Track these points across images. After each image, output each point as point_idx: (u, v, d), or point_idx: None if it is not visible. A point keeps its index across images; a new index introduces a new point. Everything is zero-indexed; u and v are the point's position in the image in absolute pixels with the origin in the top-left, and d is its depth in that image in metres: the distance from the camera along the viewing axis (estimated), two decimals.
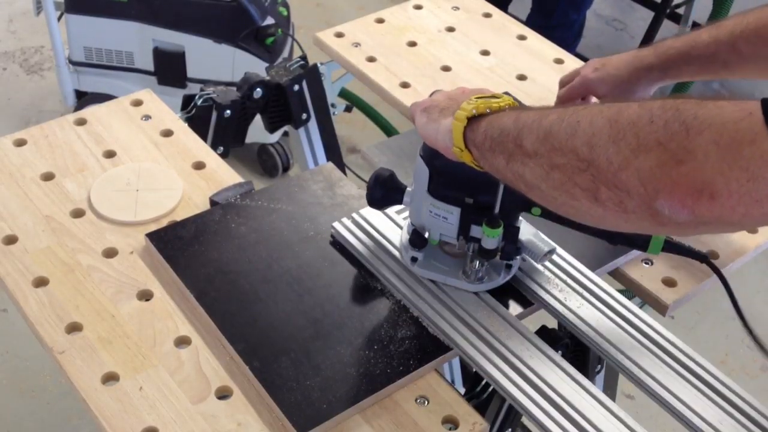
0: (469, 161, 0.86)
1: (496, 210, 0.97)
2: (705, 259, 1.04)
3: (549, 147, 0.76)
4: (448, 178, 0.95)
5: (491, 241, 0.98)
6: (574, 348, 1.05)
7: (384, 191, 1.03)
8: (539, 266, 1.06)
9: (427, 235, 1.03)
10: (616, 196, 0.70)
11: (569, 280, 1.05)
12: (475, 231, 0.98)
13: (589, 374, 1.13)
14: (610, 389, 1.27)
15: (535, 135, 0.77)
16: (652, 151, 0.67)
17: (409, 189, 1.03)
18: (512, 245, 1.00)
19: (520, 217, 1.01)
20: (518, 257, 1.04)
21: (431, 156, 0.95)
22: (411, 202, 1.02)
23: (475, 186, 0.95)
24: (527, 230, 1.02)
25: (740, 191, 0.63)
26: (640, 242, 1.04)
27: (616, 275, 1.13)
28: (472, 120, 0.85)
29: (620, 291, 1.22)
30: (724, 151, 0.63)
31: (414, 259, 1.05)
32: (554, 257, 1.07)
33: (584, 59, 1.58)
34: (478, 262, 1.02)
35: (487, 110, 0.84)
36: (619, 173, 0.69)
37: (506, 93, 1.04)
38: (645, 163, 0.67)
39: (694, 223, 0.67)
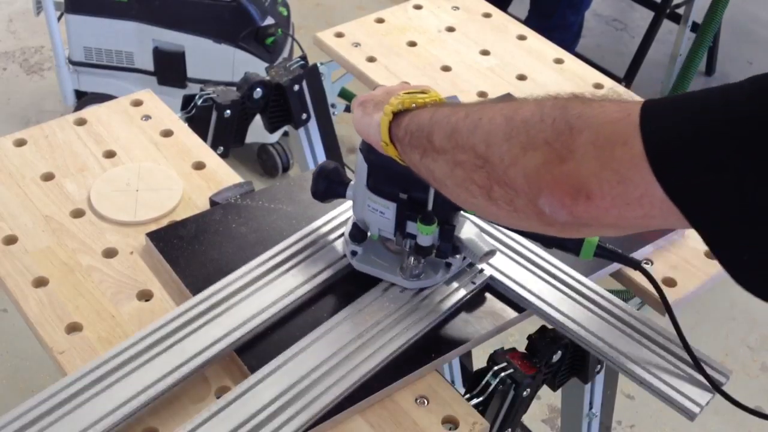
0: (395, 156, 0.87)
1: (430, 207, 0.97)
2: (638, 265, 1.02)
3: (453, 144, 0.77)
4: (384, 173, 0.95)
5: (426, 238, 0.98)
6: (574, 348, 1.05)
7: (327, 184, 1.03)
8: (527, 272, 1.06)
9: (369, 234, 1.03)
10: (506, 194, 0.71)
11: (559, 284, 1.05)
12: (411, 227, 0.98)
13: (589, 374, 1.13)
14: (610, 389, 1.27)
15: (443, 131, 0.78)
16: (539, 149, 0.67)
17: (352, 183, 1.03)
18: (448, 244, 1.00)
19: (465, 216, 1.01)
20: (458, 256, 1.03)
21: (368, 150, 0.95)
22: (353, 197, 1.02)
23: (409, 182, 0.94)
24: (469, 230, 1.02)
25: (612, 193, 0.63)
26: (572, 246, 1.01)
27: (616, 275, 1.13)
28: (398, 115, 0.85)
29: (620, 291, 1.22)
30: (599, 151, 0.64)
31: (354, 253, 1.05)
32: (543, 262, 1.07)
33: (584, 59, 1.58)
34: (414, 259, 1.02)
35: (413, 105, 0.85)
36: (508, 170, 0.69)
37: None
38: (531, 161, 0.67)
39: (575, 224, 0.68)
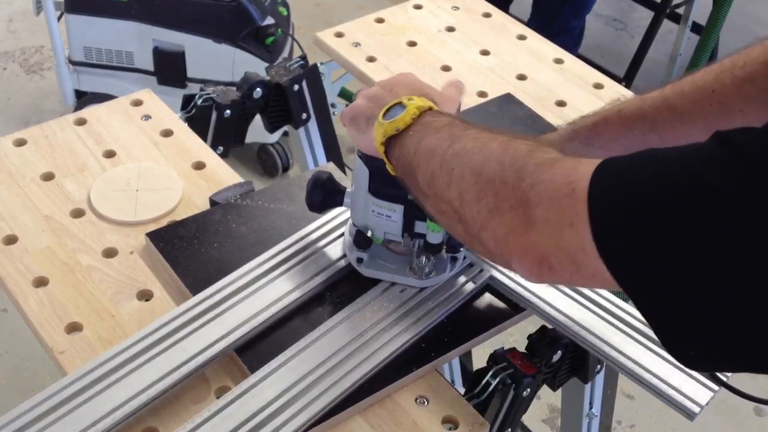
0: None
1: None
2: None
3: (433, 192, 0.77)
4: (389, 177, 0.95)
5: (436, 235, 0.98)
6: (574, 348, 1.05)
7: (323, 194, 1.03)
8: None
9: (370, 234, 1.03)
10: (485, 253, 0.72)
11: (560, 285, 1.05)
12: (420, 227, 0.98)
13: (589, 374, 1.13)
14: (610, 389, 1.27)
15: (424, 176, 0.78)
16: (505, 215, 0.67)
17: (349, 190, 1.03)
18: None
19: None
20: (462, 249, 1.03)
21: (370, 156, 0.94)
22: (352, 204, 1.02)
23: None
24: None
25: (570, 269, 0.64)
26: None
27: None
28: (389, 143, 0.84)
29: (620, 291, 1.22)
30: (552, 230, 0.63)
31: (360, 260, 1.04)
32: None
33: (584, 59, 1.58)
34: (424, 258, 1.02)
35: (396, 131, 0.82)
36: (481, 233, 0.70)
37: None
38: (499, 228, 0.68)
39: (550, 283, 0.68)
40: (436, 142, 0.78)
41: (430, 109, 0.83)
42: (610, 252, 0.59)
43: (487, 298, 1.06)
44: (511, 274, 1.06)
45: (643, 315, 0.60)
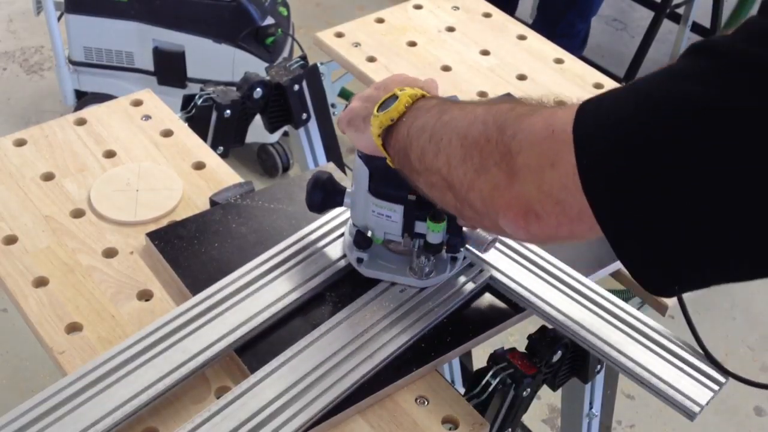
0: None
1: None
2: None
3: (424, 166, 0.78)
4: (388, 177, 0.95)
5: (436, 235, 0.98)
6: (574, 348, 1.05)
7: (323, 194, 1.03)
8: (527, 272, 1.06)
9: (370, 234, 1.03)
10: (474, 215, 0.72)
11: (559, 284, 1.05)
12: (420, 227, 0.98)
13: (589, 374, 1.13)
14: (610, 389, 1.27)
15: (416, 153, 0.79)
16: (490, 172, 0.67)
17: (349, 190, 1.03)
18: (457, 237, 0.99)
19: None
20: (462, 248, 1.03)
21: (370, 156, 0.94)
22: (352, 204, 1.02)
23: None
24: None
25: (555, 212, 0.64)
26: None
27: (617, 275, 1.13)
28: (385, 135, 0.85)
29: (620, 291, 1.22)
30: (534, 174, 0.64)
31: (360, 260, 1.04)
32: (543, 262, 1.07)
33: (584, 59, 1.58)
34: (424, 258, 1.02)
35: (391, 120, 0.83)
36: (468, 194, 0.70)
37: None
38: (485, 185, 0.68)
39: (537, 240, 0.68)
40: (426, 119, 0.79)
41: (423, 96, 0.85)
42: (594, 185, 0.59)
43: (487, 298, 1.06)
44: (512, 274, 1.06)
45: (622, 254, 0.60)
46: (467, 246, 1.01)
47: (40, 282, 1.05)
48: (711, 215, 0.56)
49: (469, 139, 0.71)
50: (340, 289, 1.05)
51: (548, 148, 0.62)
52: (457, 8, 1.64)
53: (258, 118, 1.45)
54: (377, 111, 0.85)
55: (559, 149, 0.61)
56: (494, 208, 0.68)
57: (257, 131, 1.51)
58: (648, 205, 0.57)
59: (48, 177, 1.20)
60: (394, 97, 0.85)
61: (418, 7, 1.64)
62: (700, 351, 0.99)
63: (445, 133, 0.75)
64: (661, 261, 0.60)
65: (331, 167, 1.23)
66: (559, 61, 1.51)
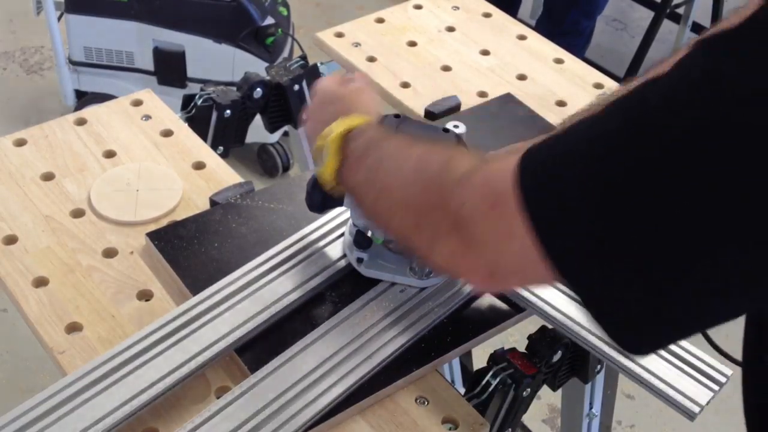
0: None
1: None
2: None
3: (380, 223, 0.78)
4: None
5: None
6: (574, 348, 1.05)
7: (323, 194, 1.02)
8: None
9: (370, 234, 1.03)
10: (439, 270, 0.72)
11: (558, 284, 1.05)
12: None
13: (589, 374, 1.13)
14: (610, 389, 1.27)
15: (366, 204, 0.79)
16: (444, 239, 0.67)
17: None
18: None
19: None
20: None
21: None
22: (352, 204, 1.02)
23: None
24: None
25: (519, 276, 0.64)
26: None
27: None
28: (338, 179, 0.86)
29: None
30: (491, 244, 0.63)
31: (360, 260, 1.04)
32: None
33: (584, 59, 1.58)
34: None
35: (330, 175, 0.85)
36: (429, 258, 0.70)
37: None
38: (444, 250, 0.67)
39: (501, 291, 0.67)
40: (362, 176, 0.79)
41: (350, 130, 0.84)
42: (554, 252, 0.58)
43: (487, 298, 1.05)
44: None
45: (594, 310, 0.58)
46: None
47: (40, 282, 1.05)
48: (667, 273, 0.54)
49: (413, 208, 0.70)
50: (340, 289, 1.05)
51: (499, 218, 0.60)
52: (457, 8, 1.64)
53: (258, 118, 1.45)
54: (316, 167, 0.86)
55: (511, 219, 0.59)
56: (456, 271, 0.68)
57: (257, 131, 1.51)
58: (612, 267, 0.56)
59: (48, 177, 1.20)
60: (324, 149, 0.85)
61: (418, 7, 1.64)
62: (706, 342, 0.99)
63: (393, 203, 0.74)
64: (632, 324, 0.58)
65: None
66: (559, 61, 1.51)
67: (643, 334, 0.59)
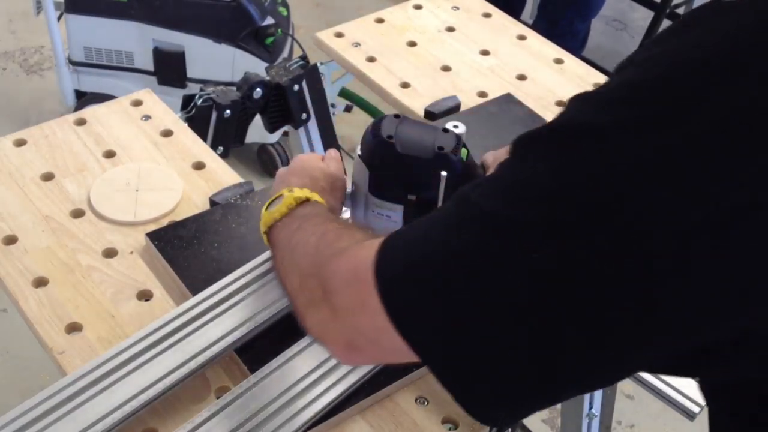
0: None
1: (439, 205, 0.96)
2: None
3: (281, 281, 0.81)
4: (389, 177, 0.94)
5: None
6: None
7: None
8: None
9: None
10: (313, 335, 0.75)
11: None
12: None
13: None
14: (610, 389, 1.27)
15: (277, 261, 0.83)
16: (317, 306, 0.70)
17: (348, 190, 1.03)
18: None
19: None
20: None
21: (371, 155, 0.94)
22: (352, 204, 1.02)
23: (417, 183, 0.94)
24: None
25: (373, 348, 0.66)
26: None
27: None
28: (271, 230, 0.87)
29: None
30: (350, 314, 0.66)
31: None
32: None
33: (584, 59, 1.58)
34: None
35: (273, 220, 0.87)
36: (304, 322, 0.73)
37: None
38: (314, 317, 0.71)
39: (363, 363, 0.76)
40: (284, 236, 0.83)
41: (308, 200, 0.87)
42: (405, 328, 0.60)
43: None
44: None
45: (443, 381, 0.61)
46: None
47: (40, 282, 1.05)
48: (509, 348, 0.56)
49: (301, 272, 0.74)
50: None
51: (356, 291, 0.64)
52: (457, 8, 1.64)
53: (258, 118, 1.45)
54: (265, 209, 0.88)
55: (365, 293, 0.62)
56: (323, 339, 0.71)
57: (257, 131, 1.51)
58: (455, 344, 0.58)
59: (48, 177, 1.20)
60: (281, 197, 0.87)
61: (418, 7, 1.64)
62: None
63: (290, 260, 0.78)
64: (483, 401, 0.60)
65: None
66: (559, 61, 1.51)
67: (490, 408, 0.61)
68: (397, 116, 0.94)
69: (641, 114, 0.52)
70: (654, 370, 0.65)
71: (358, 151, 0.97)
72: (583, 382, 0.59)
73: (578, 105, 0.57)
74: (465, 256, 0.57)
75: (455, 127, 1.03)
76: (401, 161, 0.89)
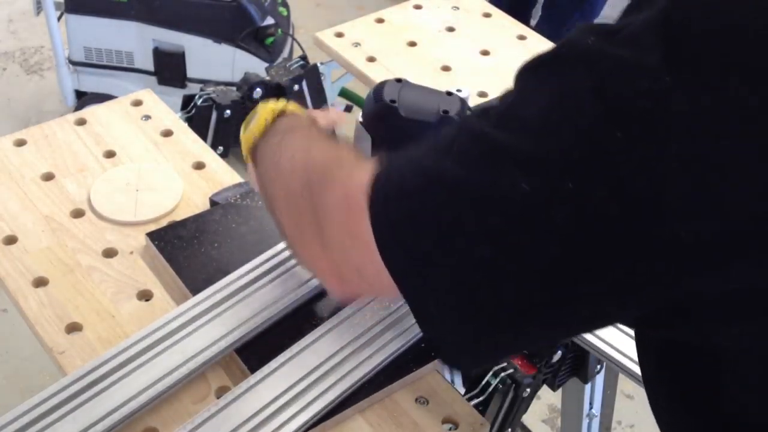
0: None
1: None
2: None
3: (268, 205, 0.80)
4: (393, 142, 0.93)
5: None
6: (574, 348, 1.05)
7: None
8: None
9: None
10: (308, 269, 0.77)
11: None
12: None
13: (589, 374, 1.13)
14: (610, 389, 1.27)
15: (263, 182, 0.81)
16: (312, 239, 0.69)
17: None
18: None
19: None
20: None
21: (374, 120, 0.92)
22: None
23: None
24: None
25: (361, 281, 0.66)
26: None
27: None
28: (253, 153, 0.86)
29: None
30: (340, 245, 0.66)
31: None
32: None
33: None
34: None
35: (254, 139, 0.84)
36: (300, 256, 0.73)
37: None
38: (311, 250, 0.70)
39: (357, 296, 0.77)
40: (268, 153, 0.80)
41: (283, 112, 0.84)
42: (392, 262, 0.60)
43: None
44: None
45: (423, 329, 0.61)
46: None
47: (40, 282, 1.05)
48: (494, 282, 0.56)
49: (291, 192, 0.72)
50: None
51: (348, 222, 0.64)
52: (457, 8, 1.64)
53: None
54: (243, 131, 0.86)
55: (357, 223, 0.61)
56: (317, 271, 0.71)
57: None
58: (440, 279, 0.58)
59: (48, 177, 1.20)
60: (255, 114, 0.85)
61: (418, 7, 1.64)
62: None
63: (277, 176, 0.76)
64: (461, 342, 0.61)
65: None
66: None
67: (462, 352, 0.62)
68: (399, 80, 0.91)
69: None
70: (622, 319, 0.65)
71: (359, 119, 0.95)
72: (554, 322, 0.59)
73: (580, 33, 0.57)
74: (470, 186, 0.56)
75: (459, 90, 1.01)
76: (406, 125, 0.87)
